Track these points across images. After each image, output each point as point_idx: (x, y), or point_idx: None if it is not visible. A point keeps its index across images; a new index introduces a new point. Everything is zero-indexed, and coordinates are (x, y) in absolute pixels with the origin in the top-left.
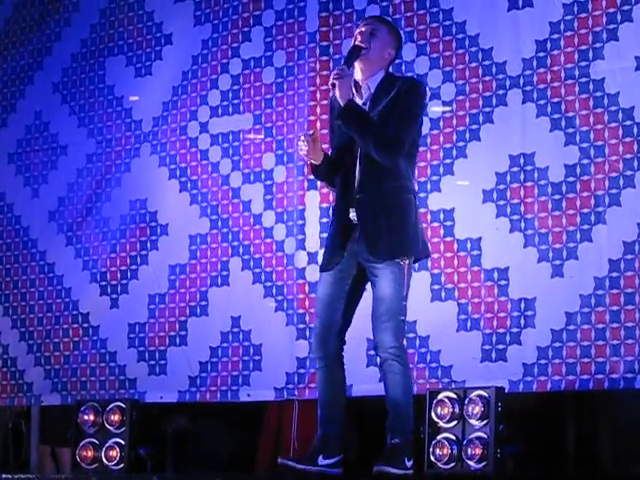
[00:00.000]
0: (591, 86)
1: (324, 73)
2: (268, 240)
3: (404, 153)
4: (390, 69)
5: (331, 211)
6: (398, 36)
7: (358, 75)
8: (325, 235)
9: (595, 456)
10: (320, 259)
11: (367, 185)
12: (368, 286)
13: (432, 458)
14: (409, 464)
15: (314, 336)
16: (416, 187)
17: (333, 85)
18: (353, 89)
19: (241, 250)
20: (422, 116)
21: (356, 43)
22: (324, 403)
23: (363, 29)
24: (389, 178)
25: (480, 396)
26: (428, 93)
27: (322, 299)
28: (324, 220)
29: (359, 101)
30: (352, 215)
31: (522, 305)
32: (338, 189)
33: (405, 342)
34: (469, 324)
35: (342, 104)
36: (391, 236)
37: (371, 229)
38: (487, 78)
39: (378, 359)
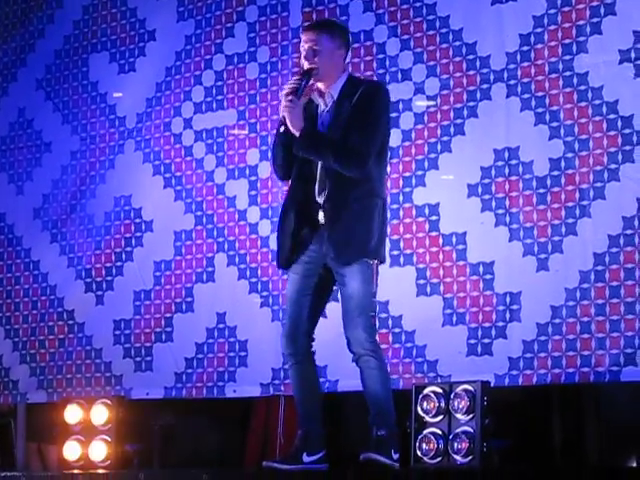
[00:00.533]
0: (575, 80)
1: None
2: (253, 236)
3: (371, 161)
4: (350, 68)
5: (285, 207)
6: (341, 31)
7: (322, 87)
8: None
9: (581, 449)
10: None
11: (333, 188)
12: None
13: (418, 453)
14: (395, 456)
15: (283, 334)
16: (386, 189)
17: (284, 117)
18: (319, 100)
19: (226, 246)
20: (387, 118)
21: (304, 69)
22: (301, 401)
23: (305, 46)
24: (357, 182)
25: (466, 390)
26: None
27: (290, 297)
28: None
29: (323, 108)
30: (320, 217)
31: (507, 299)
32: (297, 186)
33: (390, 337)
34: (455, 318)
35: (296, 134)
36: (357, 242)
37: (339, 236)
38: (471, 72)
39: (352, 355)
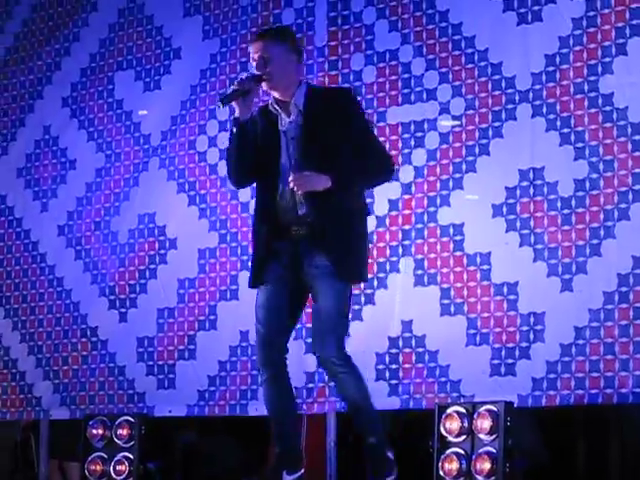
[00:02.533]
0: (600, 100)
1: None
2: None
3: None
4: (303, 74)
5: (256, 220)
6: (289, 36)
7: (280, 96)
8: None
9: (604, 470)
10: None
11: (318, 200)
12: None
13: (441, 472)
14: (391, 455)
15: (258, 346)
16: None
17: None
18: (279, 110)
19: (250, 264)
20: None
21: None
22: (277, 419)
23: (255, 57)
24: (349, 198)
25: (489, 410)
26: None
27: (263, 305)
28: None
29: (287, 120)
30: (295, 231)
31: (531, 319)
32: (266, 197)
33: (414, 357)
34: (478, 338)
35: (328, 186)
36: (356, 262)
37: (338, 253)
38: (496, 92)
39: (325, 372)
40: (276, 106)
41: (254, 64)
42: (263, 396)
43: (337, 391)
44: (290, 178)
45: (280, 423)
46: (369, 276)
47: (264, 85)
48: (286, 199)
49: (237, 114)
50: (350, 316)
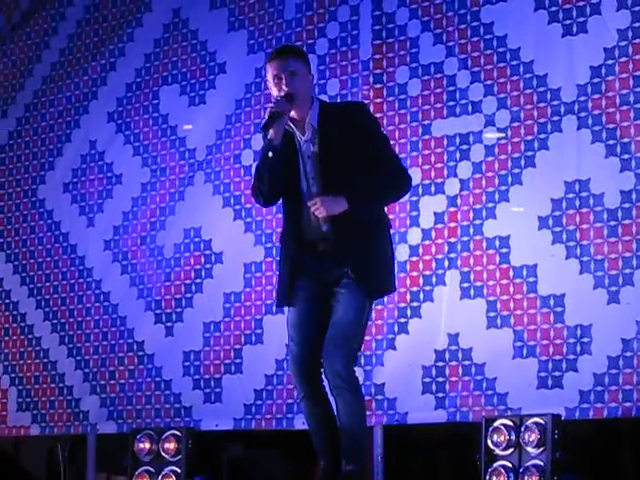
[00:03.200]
0: None
1: (378, 101)
2: None
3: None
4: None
5: (283, 238)
6: (306, 55)
7: (296, 115)
8: None
9: None
10: None
11: (340, 221)
12: None
13: None
14: None
15: (291, 364)
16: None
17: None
18: (294, 129)
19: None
20: None
21: (286, 92)
22: (317, 434)
23: (283, 74)
24: (368, 214)
25: (536, 423)
26: None
27: (294, 325)
28: None
29: (302, 139)
30: (321, 247)
31: (578, 332)
32: (289, 218)
33: (460, 370)
34: (525, 351)
35: (345, 208)
36: (382, 275)
37: (363, 270)
38: (542, 104)
39: (328, 384)
40: (292, 125)
41: (284, 81)
42: (303, 413)
43: (336, 407)
44: (309, 203)
45: (321, 438)
46: (414, 289)
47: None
48: (309, 217)
49: (271, 136)
50: (366, 330)
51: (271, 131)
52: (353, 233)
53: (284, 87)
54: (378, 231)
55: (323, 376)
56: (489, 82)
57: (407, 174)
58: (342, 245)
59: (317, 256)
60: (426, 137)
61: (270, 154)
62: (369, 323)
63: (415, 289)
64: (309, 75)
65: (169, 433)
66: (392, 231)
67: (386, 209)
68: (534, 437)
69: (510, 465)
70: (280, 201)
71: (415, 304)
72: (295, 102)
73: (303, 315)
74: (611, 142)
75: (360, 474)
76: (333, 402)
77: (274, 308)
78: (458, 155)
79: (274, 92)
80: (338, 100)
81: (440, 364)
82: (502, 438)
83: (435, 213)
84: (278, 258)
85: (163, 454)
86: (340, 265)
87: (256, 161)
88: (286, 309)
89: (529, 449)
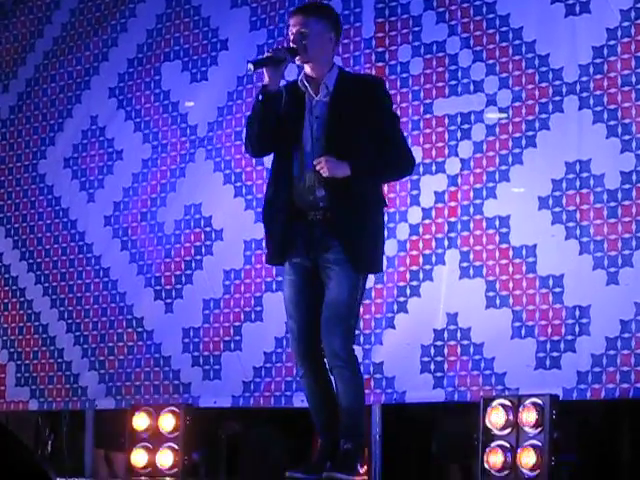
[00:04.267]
0: None
1: None
2: None
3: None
4: (336, 59)
5: (270, 202)
6: (331, 14)
7: (312, 73)
8: None
9: None
10: None
11: (337, 189)
12: None
13: (486, 465)
14: (362, 470)
15: (291, 341)
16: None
17: (323, 172)
18: (308, 87)
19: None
20: None
21: (290, 45)
22: (317, 412)
23: (293, 30)
24: (366, 188)
25: (534, 403)
26: None
27: (291, 299)
28: None
29: (315, 98)
30: (316, 215)
31: (577, 313)
32: (282, 181)
33: (459, 349)
34: (523, 331)
35: (347, 174)
36: (372, 253)
37: (354, 245)
38: (543, 84)
39: (327, 364)
40: (306, 82)
41: (291, 37)
42: (303, 390)
43: (335, 386)
44: (315, 161)
45: (321, 416)
46: (414, 268)
47: (298, 59)
48: (304, 180)
49: (266, 82)
50: (360, 307)
51: (266, 75)
52: (347, 204)
53: (291, 43)
54: (373, 209)
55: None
56: (491, 61)
57: (412, 156)
58: (334, 216)
59: (306, 224)
60: (427, 116)
61: (261, 97)
62: (368, 302)
63: (415, 268)
64: (326, 35)
65: (167, 409)
66: (393, 210)
67: (385, 189)
68: (532, 417)
69: (508, 445)
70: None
71: (414, 283)
72: (302, 57)
73: (298, 292)
74: (612, 123)
75: (358, 452)
76: (333, 381)
77: (274, 285)
78: (459, 134)
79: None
80: None
81: (439, 343)
82: (500, 418)
83: (436, 192)
84: (262, 216)
85: (161, 430)
86: (330, 236)
87: None
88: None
89: (527, 429)
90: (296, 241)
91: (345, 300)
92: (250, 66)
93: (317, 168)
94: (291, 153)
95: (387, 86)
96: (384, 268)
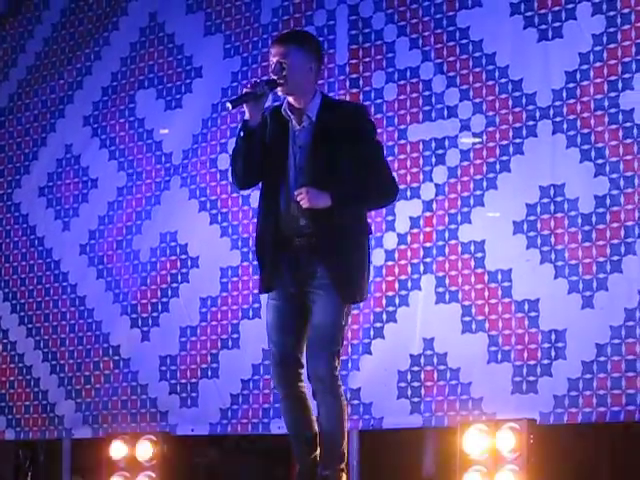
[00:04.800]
0: (620, 117)
1: None
2: None
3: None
4: (318, 85)
5: (260, 226)
6: (312, 43)
7: (294, 102)
8: None
9: None
10: None
11: (320, 218)
12: None
13: None
14: None
15: (272, 365)
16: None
17: (244, 119)
18: (291, 116)
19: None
20: None
21: (269, 78)
22: (295, 437)
23: (274, 60)
24: (350, 216)
25: (512, 428)
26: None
27: (273, 324)
28: None
29: (298, 128)
30: (297, 242)
31: (552, 337)
32: (268, 207)
33: (435, 374)
34: (500, 356)
35: (328, 204)
36: (357, 281)
37: (338, 272)
38: (517, 109)
39: (311, 387)
40: (288, 112)
41: (271, 67)
42: (282, 415)
43: (317, 411)
44: (296, 192)
45: (299, 441)
46: (390, 294)
47: (279, 90)
48: (289, 208)
49: (247, 117)
50: (345, 332)
51: (247, 110)
52: (331, 232)
53: (271, 73)
54: (357, 235)
55: (305, 379)
56: (465, 87)
57: (395, 185)
58: (318, 242)
59: (292, 251)
60: (402, 142)
61: (242, 133)
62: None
63: (391, 294)
64: (307, 66)
65: (145, 438)
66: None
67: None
68: (509, 442)
69: (485, 470)
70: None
71: (391, 309)
72: (283, 88)
73: (281, 316)
74: (586, 147)
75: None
76: (314, 406)
77: (250, 313)
78: (434, 160)
79: (270, 75)
80: None
81: (415, 369)
82: (477, 443)
83: (411, 218)
84: (254, 248)
85: (138, 459)
86: (315, 262)
87: None
88: (263, 312)
89: (504, 454)
90: (282, 267)
91: (329, 324)
92: (228, 105)
93: (298, 199)
94: (277, 183)
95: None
96: None
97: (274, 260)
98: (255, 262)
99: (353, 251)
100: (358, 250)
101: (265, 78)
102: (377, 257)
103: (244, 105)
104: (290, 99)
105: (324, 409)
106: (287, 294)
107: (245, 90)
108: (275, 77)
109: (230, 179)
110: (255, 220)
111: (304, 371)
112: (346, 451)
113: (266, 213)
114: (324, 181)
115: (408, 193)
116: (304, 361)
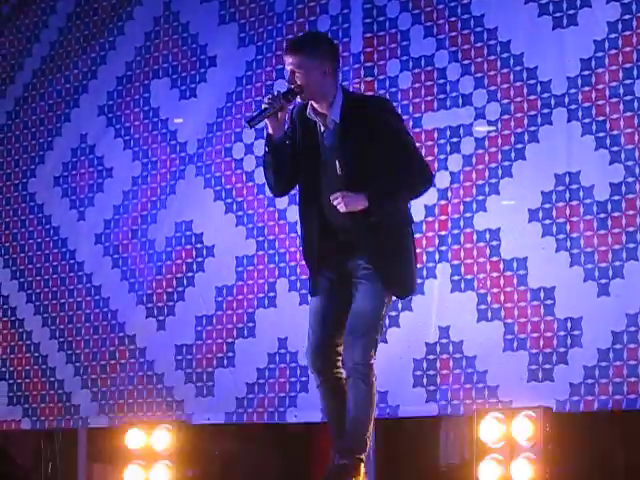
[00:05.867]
0: (636, 104)
1: (369, 94)
2: None
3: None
4: (340, 80)
5: (304, 227)
6: (323, 44)
7: (317, 106)
8: None
9: None
10: None
11: (360, 217)
12: None
13: (480, 478)
14: None
15: (307, 351)
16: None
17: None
18: (316, 119)
19: (287, 271)
20: None
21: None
22: (331, 422)
23: (288, 69)
24: (393, 212)
25: (527, 416)
26: None
27: (315, 314)
28: None
29: (324, 129)
30: (341, 237)
31: (568, 324)
32: (309, 207)
33: (451, 363)
34: (516, 344)
35: (365, 206)
36: (397, 270)
37: (379, 263)
38: (532, 97)
39: (344, 372)
40: (313, 115)
41: (287, 77)
42: (319, 400)
43: (348, 397)
44: (332, 197)
45: (336, 426)
46: None
47: (298, 98)
48: (328, 207)
49: (270, 131)
50: (387, 322)
51: (269, 125)
52: (371, 227)
53: (287, 82)
54: (397, 227)
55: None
56: (479, 75)
57: (428, 170)
58: (361, 236)
59: (337, 246)
60: (417, 130)
61: (267, 148)
62: None
63: None
64: (321, 69)
65: (161, 427)
66: None
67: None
68: (525, 430)
69: (501, 458)
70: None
71: None
72: (301, 97)
73: (322, 304)
74: (601, 134)
75: (354, 470)
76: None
77: (266, 302)
78: (449, 148)
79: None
80: None
81: (431, 357)
82: (493, 431)
83: (426, 206)
84: (301, 247)
85: (154, 448)
86: (358, 255)
87: (248, 154)
88: (279, 301)
89: (520, 442)
90: (328, 263)
91: (369, 311)
92: (249, 124)
93: (334, 204)
94: (313, 183)
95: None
96: None
97: (319, 259)
98: (271, 251)
99: (394, 241)
100: (399, 240)
101: (282, 90)
102: None
103: (265, 120)
104: (313, 104)
105: (353, 395)
106: (331, 286)
107: (263, 106)
108: (292, 87)
109: (243, 168)
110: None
111: (341, 358)
112: (369, 441)
113: (307, 216)
114: (357, 182)
115: None
116: (341, 349)
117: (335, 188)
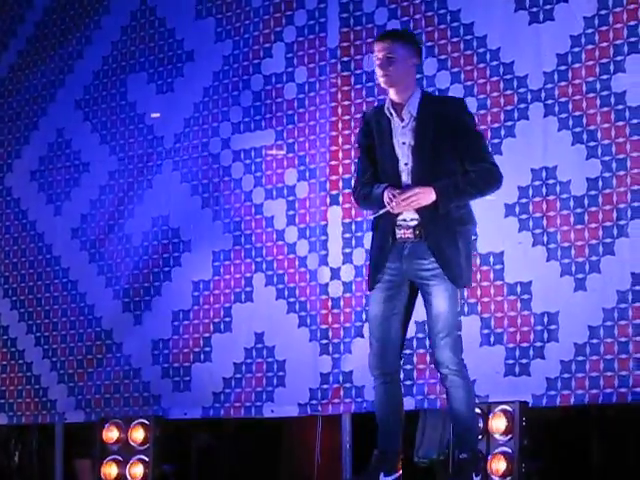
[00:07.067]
0: (612, 99)
1: (345, 89)
2: (291, 256)
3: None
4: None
5: (373, 227)
6: (414, 39)
7: (396, 97)
8: (347, 250)
9: (619, 469)
10: (343, 274)
11: (426, 212)
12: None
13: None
14: (477, 479)
15: (371, 354)
16: None
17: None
18: (393, 113)
19: (264, 266)
20: None
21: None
22: (383, 420)
23: (379, 55)
24: (457, 209)
25: (504, 410)
26: None
27: (375, 317)
28: (347, 235)
29: (399, 123)
30: (404, 235)
31: (545, 319)
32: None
33: (428, 357)
34: (492, 338)
35: (434, 199)
36: (464, 268)
37: (449, 263)
38: (508, 92)
39: (439, 375)
40: (391, 109)
41: (378, 62)
42: (374, 398)
43: (447, 397)
44: (401, 197)
45: (383, 425)
46: None
47: (382, 82)
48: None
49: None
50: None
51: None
52: (437, 224)
53: (376, 67)
54: (462, 224)
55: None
56: (456, 70)
57: (498, 172)
58: (425, 233)
59: (400, 243)
60: None
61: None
62: (337, 311)
63: None
64: (410, 60)
65: (137, 422)
66: (360, 219)
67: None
68: (502, 424)
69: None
70: None
71: None
72: (385, 79)
73: (384, 310)
74: (577, 130)
75: (473, 462)
76: (444, 392)
77: (243, 296)
78: None
79: (377, 71)
80: (306, 88)
81: (408, 351)
82: None
83: None
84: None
85: (131, 443)
86: (422, 253)
87: (224, 149)
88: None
89: (497, 436)
90: (389, 259)
91: (448, 312)
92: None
93: (403, 204)
94: (386, 178)
95: (466, 104)
96: (352, 277)
97: (381, 254)
98: (247, 245)
99: (458, 239)
100: (463, 238)
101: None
102: (369, 239)
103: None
104: (392, 94)
105: (454, 393)
106: (391, 285)
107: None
108: (384, 73)
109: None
110: None
111: (402, 362)
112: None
113: (382, 216)
114: (428, 177)
115: None
116: (403, 351)
117: (404, 182)
